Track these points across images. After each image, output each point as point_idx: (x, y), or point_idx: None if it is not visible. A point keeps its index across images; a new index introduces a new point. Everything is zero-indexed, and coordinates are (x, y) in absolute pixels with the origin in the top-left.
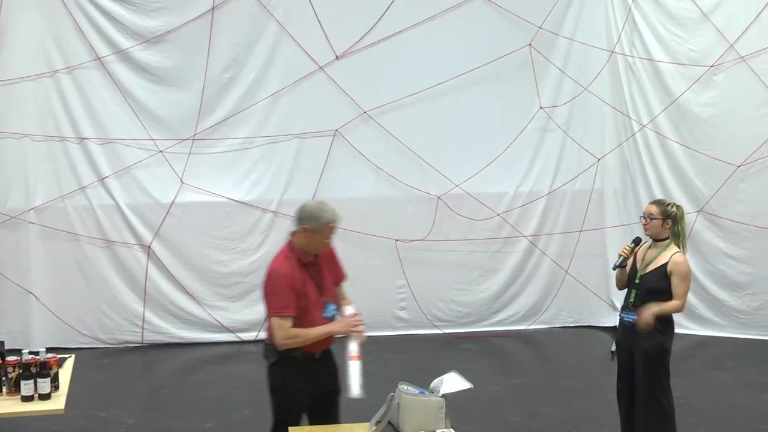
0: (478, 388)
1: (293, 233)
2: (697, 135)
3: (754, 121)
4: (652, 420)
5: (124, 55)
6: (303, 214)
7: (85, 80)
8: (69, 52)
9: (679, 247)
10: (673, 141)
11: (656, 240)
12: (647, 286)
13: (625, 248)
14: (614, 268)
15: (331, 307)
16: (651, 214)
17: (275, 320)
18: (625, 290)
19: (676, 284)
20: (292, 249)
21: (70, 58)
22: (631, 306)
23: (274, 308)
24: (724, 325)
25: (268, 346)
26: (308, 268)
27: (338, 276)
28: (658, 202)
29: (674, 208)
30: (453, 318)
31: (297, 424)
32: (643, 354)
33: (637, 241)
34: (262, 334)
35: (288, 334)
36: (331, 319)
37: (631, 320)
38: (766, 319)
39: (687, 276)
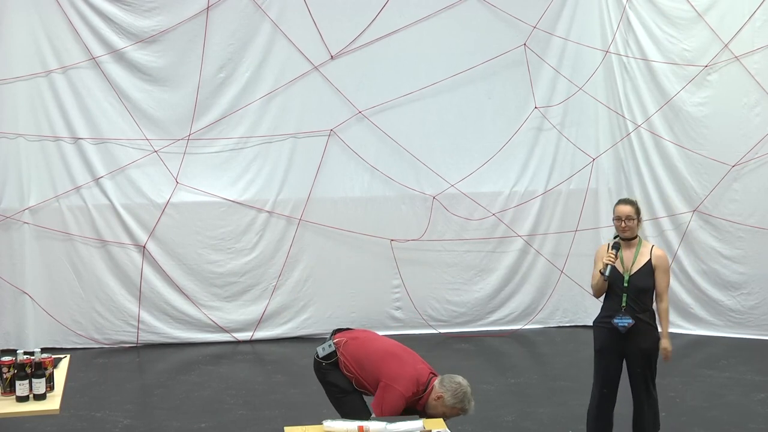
0: (473, 387)
1: (435, 383)
2: (691, 134)
3: (747, 120)
4: (652, 414)
5: (118, 55)
6: (449, 384)
7: (79, 80)
8: (63, 51)
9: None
10: (668, 141)
11: (629, 239)
12: (637, 286)
13: (609, 256)
14: (605, 278)
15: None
16: (629, 215)
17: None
18: (603, 297)
19: (660, 278)
20: (425, 390)
21: (64, 57)
22: (624, 310)
23: (380, 410)
24: (718, 325)
25: (336, 358)
26: (416, 406)
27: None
28: (629, 202)
29: (638, 205)
30: (448, 318)
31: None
32: (645, 353)
33: (617, 247)
34: (257, 334)
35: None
36: None
37: (626, 324)
38: (760, 319)
39: (669, 268)
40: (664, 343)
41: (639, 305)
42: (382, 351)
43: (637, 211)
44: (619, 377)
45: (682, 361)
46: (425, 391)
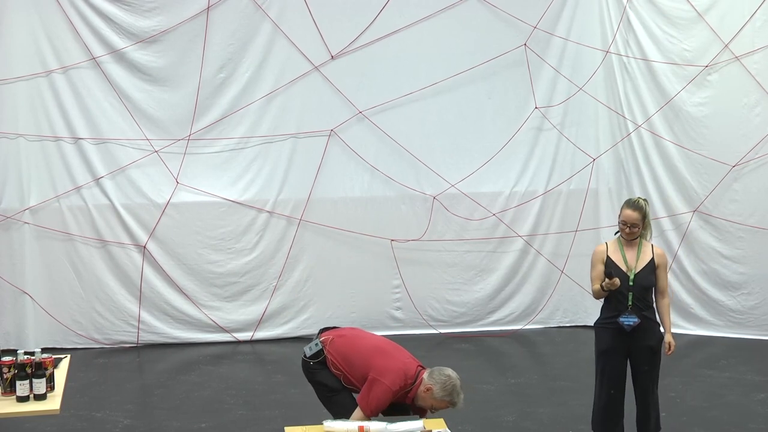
0: (473, 388)
1: (425, 375)
2: (691, 135)
3: (747, 120)
4: (657, 413)
5: (118, 55)
6: (439, 377)
7: (79, 80)
8: (63, 51)
9: (647, 239)
10: (668, 141)
11: (632, 239)
12: (642, 284)
13: (609, 285)
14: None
15: None
16: (635, 223)
17: (361, 415)
18: (603, 298)
19: (661, 276)
20: (414, 383)
21: (64, 57)
22: (630, 309)
23: (367, 406)
24: (718, 325)
25: (323, 356)
26: (405, 399)
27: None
28: (636, 207)
29: (646, 206)
30: (448, 318)
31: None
32: (651, 350)
33: (609, 275)
34: (258, 334)
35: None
36: None
37: (632, 323)
38: (760, 319)
39: (667, 266)
40: (668, 338)
41: (643, 303)
42: (369, 347)
43: (644, 216)
44: (626, 377)
45: (682, 361)
46: (414, 384)
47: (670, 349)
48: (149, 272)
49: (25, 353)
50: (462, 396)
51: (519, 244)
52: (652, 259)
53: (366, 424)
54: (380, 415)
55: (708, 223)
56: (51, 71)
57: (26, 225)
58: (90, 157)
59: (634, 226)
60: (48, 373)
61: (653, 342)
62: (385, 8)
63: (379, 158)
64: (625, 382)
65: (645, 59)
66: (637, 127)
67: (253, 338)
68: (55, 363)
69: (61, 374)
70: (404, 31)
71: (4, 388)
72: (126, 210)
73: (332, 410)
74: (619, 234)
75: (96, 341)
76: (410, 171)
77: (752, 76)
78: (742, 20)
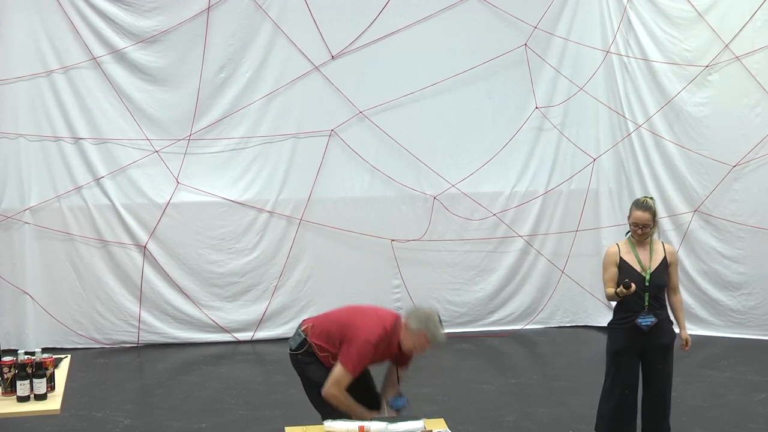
0: (473, 388)
1: (404, 320)
2: (691, 135)
3: (747, 120)
4: (669, 410)
5: (119, 55)
6: (415, 313)
7: (80, 80)
8: (64, 51)
9: (655, 237)
10: (668, 141)
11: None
12: (657, 284)
13: (626, 293)
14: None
15: (401, 401)
16: (646, 224)
17: (341, 370)
18: (615, 301)
19: (673, 273)
20: (394, 331)
21: (65, 57)
22: (647, 309)
23: (347, 360)
24: (718, 325)
25: (308, 345)
26: (391, 351)
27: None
28: (646, 208)
29: (654, 204)
30: (448, 318)
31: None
32: (665, 348)
33: (627, 285)
34: (258, 334)
35: (339, 392)
36: (397, 409)
37: (650, 323)
38: (760, 319)
39: (677, 262)
40: (684, 334)
41: (658, 302)
42: (344, 313)
43: (654, 215)
44: (638, 377)
45: (682, 361)
46: (394, 329)
47: (687, 344)
48: (150, 272)
49: (26, 353)
50: (441, 331)
51: (519, 244)
52: (665, 257)
53: (366, 424)
54: (373, 416)
55: (708, 223)
56: (51, 71)
57: (26, 225)
58: (90, 157)
59: (646, 226)
60: (48, 373)
61: (666, 340)
62: (385, 8)
63: (379, 158)
64: (638, 381)
65: (645, 59)
66: (638, 127)
67: (254, 338)
68: (56, 363)
69: (61, 374)
70: (404, 31)
71: (5, 388)
72: (126, 210)
73: (322, 410)
74: (629, 234)
75: (96, 341)
76: (410, 171)
77: (752, 76)
78: (742, 20)
